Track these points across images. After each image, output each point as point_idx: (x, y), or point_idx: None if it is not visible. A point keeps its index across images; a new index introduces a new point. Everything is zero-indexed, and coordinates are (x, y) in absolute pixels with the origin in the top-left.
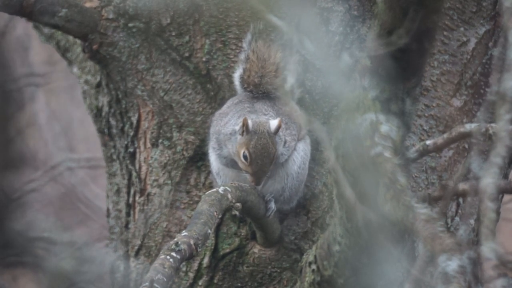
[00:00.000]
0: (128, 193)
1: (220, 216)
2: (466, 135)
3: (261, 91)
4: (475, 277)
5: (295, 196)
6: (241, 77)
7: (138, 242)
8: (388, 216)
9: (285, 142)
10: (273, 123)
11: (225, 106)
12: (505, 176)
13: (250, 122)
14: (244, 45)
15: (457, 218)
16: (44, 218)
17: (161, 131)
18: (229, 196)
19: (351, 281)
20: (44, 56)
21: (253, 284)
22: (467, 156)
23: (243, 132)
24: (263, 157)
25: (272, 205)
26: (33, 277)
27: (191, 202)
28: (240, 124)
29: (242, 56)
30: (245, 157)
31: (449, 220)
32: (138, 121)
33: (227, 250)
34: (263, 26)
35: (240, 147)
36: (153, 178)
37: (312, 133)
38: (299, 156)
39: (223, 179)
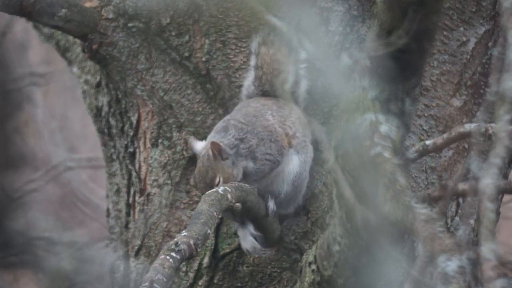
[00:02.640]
0: (128, 193)
1: (220, 216)
2: (465, 135)
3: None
4: (475, 278)
5: (292, 202)
6: (254, 84)
7: (138, 242)
8: (388, 216)
9: (255, 159)
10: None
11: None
12: (505, 176)
13: (195, 145)
14: (252, 50)
15: (457, 218)
16: (44, 218)
17: (161, 131)
18: (229, 196)
19: (351, 281)
20: (43, 56)
21: (253, 284)
22: (467, 156)
23: None
24: (200, 182)
25: (272, 204)
26: (33, 277)
27: (191, 202)
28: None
29: (252, 63)
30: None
31: (449, 220)
32: (138, 121)
33: (227, 250)
34: (268, 31)
35: None
36: (153, 178)
37: (312, 134)
38: (295, 169)
39: None
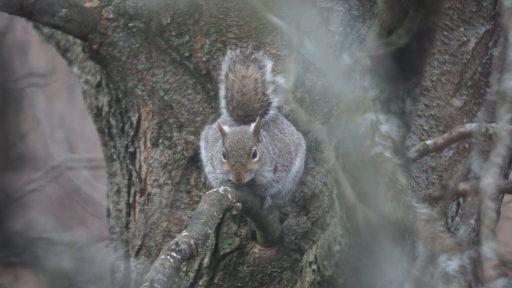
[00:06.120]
0: (129, 193)
1: (220, 216)
2: (466, 135)
3: (248, 118)
4: (476, 277)
5: (290, 193)
6: (227, 108)
7: (139, 242)
8: (388, 216)
9: (275, 169)
10: (252, 124)
11: (212, 130)
12: (506, 176)
13: (225, 126)
14: (223, 71)
15: (457, 218)
16: (44, 218)
17: (161, 131)
18: (229, 196)
19: (351, 281)
20: (44, 56)
21: (254, 284)
22: (467, 156)
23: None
24: (238, 149)
25: (268, 198)
26: (33, 277)
27: (191, 202)
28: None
29: (222, 91)
30: (223, 155)
31: (449, 220)
32: (138, 121)
33: (228, 250)
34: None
35: (221, 152)
36: (153, 178)
37: (312, 133)
38: (295, 169)
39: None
